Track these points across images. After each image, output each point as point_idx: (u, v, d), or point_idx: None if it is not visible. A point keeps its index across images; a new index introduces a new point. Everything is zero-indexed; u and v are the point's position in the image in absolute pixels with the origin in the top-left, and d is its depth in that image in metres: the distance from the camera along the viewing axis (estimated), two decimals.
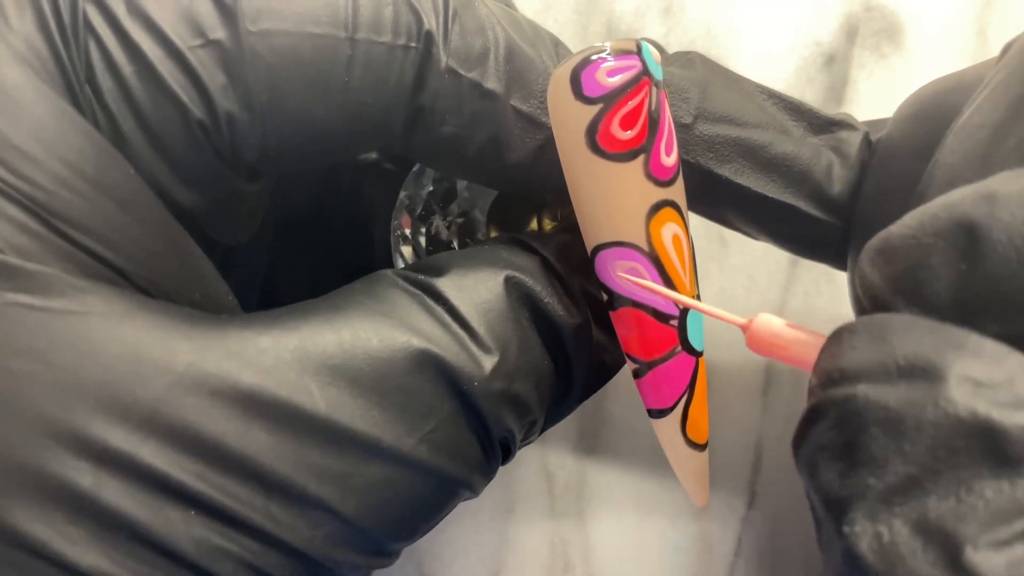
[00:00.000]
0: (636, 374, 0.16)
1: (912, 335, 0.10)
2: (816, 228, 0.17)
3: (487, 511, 0.25)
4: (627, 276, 0.15)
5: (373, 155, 0.20)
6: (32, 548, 0.11)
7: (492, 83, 0.14)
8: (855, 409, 0.10)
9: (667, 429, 0.16)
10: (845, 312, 0.25)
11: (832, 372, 0.11)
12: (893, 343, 0.10)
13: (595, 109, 0.14)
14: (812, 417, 0.11)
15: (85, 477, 0.11)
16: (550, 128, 0.14)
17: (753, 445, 0.25)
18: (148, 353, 0.12)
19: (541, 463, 0.26)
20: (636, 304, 0.15)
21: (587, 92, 0.13)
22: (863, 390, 0.10)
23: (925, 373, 0.10)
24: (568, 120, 0.14)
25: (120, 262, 0.13)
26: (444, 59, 0.14)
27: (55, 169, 0.12)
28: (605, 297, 0.15)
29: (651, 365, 0.15)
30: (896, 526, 0.09)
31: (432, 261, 0.15)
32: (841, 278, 0.25)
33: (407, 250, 0.18)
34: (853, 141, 0.17)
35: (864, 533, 0.10)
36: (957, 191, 0.11)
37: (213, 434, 0.12)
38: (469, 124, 0.15)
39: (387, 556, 0.14)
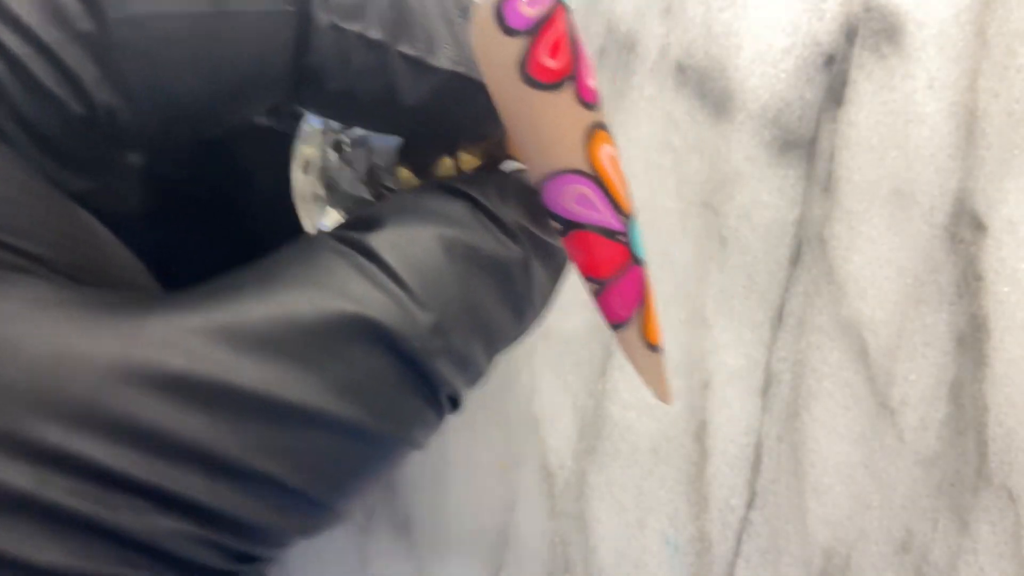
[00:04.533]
0: (596, 293, 0.16)
1: None
2: None
3: (487, 511, 0.25)
4: None
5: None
6: None
7: (376, 32, 0.14)
8: None
9: (629, 337, 0.17)
10: (845, 312, 0.25)
11: None
12: None
13: (522, 41, 0.14)
14: None
15: (25, 478, 0.11)
16: (439, 69, 0.15)
17: (753, 445, 0.25)
18: (73, 347, 0.12)
19: (541, 463, 0.26)
20: (588, 226, 0.15)
21: (512, 24, 0.14)
22: None
23: None
24: (498, 56, 0.14)
25: (37, 250, 0.13)
26: (324, 16, 0.14)
27: None
28: (558, 227, 0.16)
29: (608, 282, 0.16)
30: None
31: (364, 216, 0.15)
32: (841, 278, 0.25)
33: (314, 201, 0.18)
34: None
35: None
36: None
37: (148, 422, 0.12)
38: (358, 77, 0.15)
39: (337, 517, 0.14)
